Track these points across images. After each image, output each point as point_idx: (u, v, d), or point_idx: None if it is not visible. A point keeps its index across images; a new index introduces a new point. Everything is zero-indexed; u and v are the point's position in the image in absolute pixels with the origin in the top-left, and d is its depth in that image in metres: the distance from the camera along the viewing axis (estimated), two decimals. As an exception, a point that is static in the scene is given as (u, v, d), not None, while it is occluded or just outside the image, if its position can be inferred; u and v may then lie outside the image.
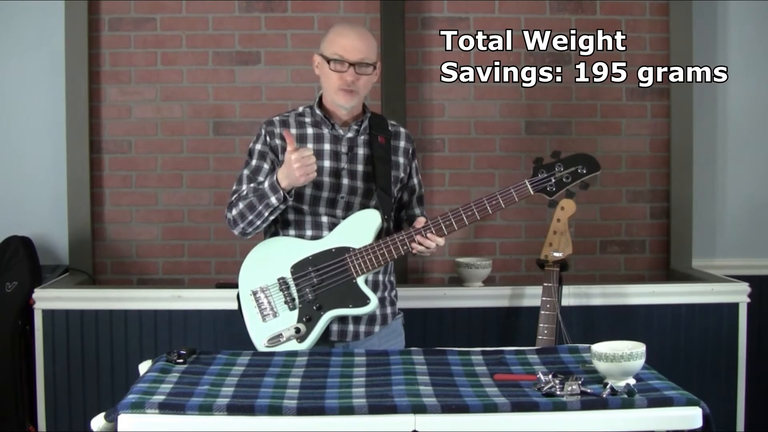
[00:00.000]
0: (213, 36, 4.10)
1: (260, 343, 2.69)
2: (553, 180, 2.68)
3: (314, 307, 2.68)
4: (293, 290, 2.69)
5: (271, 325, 2.69)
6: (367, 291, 2.69)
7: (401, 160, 2.83)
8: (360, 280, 2.68)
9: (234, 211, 2.73)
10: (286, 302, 2.69)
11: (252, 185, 2.74)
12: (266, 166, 2.77)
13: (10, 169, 4.08)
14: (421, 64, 4.14)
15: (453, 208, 2.68)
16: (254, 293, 2.73)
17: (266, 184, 2.65)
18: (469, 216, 2.66)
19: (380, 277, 2.80)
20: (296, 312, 2.68)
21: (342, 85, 2.69)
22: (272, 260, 2.74)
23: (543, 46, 4.14)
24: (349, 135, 2.77)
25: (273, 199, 2.63)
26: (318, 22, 4.08)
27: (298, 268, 2.70)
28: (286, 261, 2.72)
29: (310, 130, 2.77)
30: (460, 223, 2.66)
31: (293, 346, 2.65)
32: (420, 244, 2.65)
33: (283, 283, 2.70)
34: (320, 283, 2.68)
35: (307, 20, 4.10)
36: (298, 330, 2.66)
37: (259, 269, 2.75)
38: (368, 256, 2.67)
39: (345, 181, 2.75)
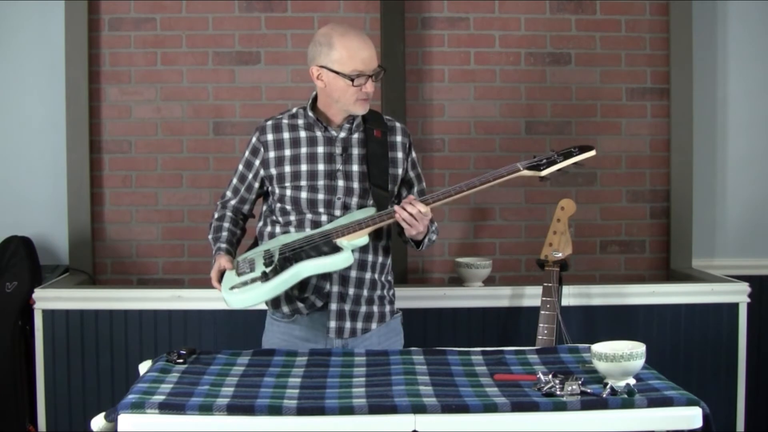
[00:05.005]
0: (213, 36, 4.10)
1: (226, 287, 2.64)
2: (545, 160, 2.67)
3: (289, 263, 2.62)
4: (275, 256, 2.65)
5: (243, 278, 2.66)
6: (343, 245, 2.62)
7: (398, 155, 2.83)
8: (339, 240, 2.62)
9: (210, 222, 2.91)
10: (265, 264, 2.65)
11: (217, 224, 2.87)
12: (250, 176, 2.83)
13: (9, 170, 4.08)
14: (421, 64, 4.14)
15: None
16: (237, 261, 2.74)
17: (213, 250, 2.82)
18: (456, 189, 2.66)
19: (377, 276, 2.80)
20: (271, 267, 2.63)
21: (362, 96, 2.69)
22: (265, 246, 2.77)
23: (543, 46, 4.17)
24: (342, 135, 2.77)
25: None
26: (318, 22, 4.08)
27: (286, 246, 2.68)
28: (276, 243, 2.72)
29: (303, 134, 2.77)
30: (446, 195, 2.66)
31: (257, 288, 2.58)
32: (403, 209, 2.62)
33: (267, 253, 2.68)
34: (300, 247, 2.65)
35: (307, 20, 4.10)
36: (264, 274, 2.60)
37: (249, 251, 2.79)
38: (351, 227, 2.64)
39: (340, 182, 2.74)
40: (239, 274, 2.67)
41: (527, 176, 2.67)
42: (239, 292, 2.60)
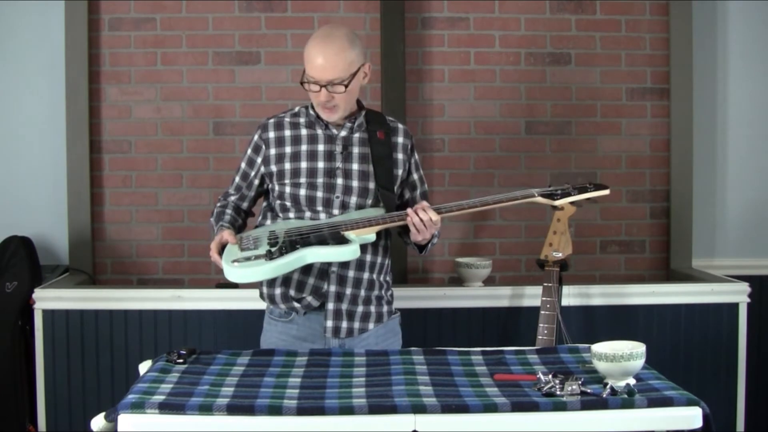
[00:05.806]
0: (213, 36, 4.10)
1: (228, 260, 2.62)
2: (560, 191, 2.75)
3: (294, 247, 2.61)
4: (281, 237, 2.65)
5: (247, 254, 2.64)
6: (352, 238, 2.61)
7: (399, 155, 2.83)
8: (348, 233, 2.62)
9: (212, 210, 2.90)
10: (270, 243, 2.64)
11: (219, 210, 2.86)
12: (252, 174, 2.84)
13: (10, 170, 4.08)
14: (421, 64, 4.14)
15: None
16: (241, 236, 2.73)
17: (215, 230, 2.79)
18: (470, 204, 2.70)
19: (375, 276, 2.80)
20: (276, 247, 2.61)
21: (318, 102, 2.70)
22: (270, 227, 2.76)
23: (543, 46, 4.17)
24: (343, 133, 2.77)
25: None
26: (318, 22, 4.08)
27: (292, 230, 2.68)
28: (282, 226, 2.72)
29: (304, 131, 2.78)
30: (459, 208, 2.69)
31: (260, 266, 2.56)
32: (416, 213, 2.64)
33: (272, 234, 2.67)
34: (308, 233, 2.65)
35: (307, 20, 4.10)
36: (269, 253, 2.57)
37: (253, 230, 2.78)
38: (361, 223, 2.65)
39: (339, 180, 2.75)
40: (242, 250, 2.66)
41: (541, 203, 2.76)
42: (240, 267, 2.58)
